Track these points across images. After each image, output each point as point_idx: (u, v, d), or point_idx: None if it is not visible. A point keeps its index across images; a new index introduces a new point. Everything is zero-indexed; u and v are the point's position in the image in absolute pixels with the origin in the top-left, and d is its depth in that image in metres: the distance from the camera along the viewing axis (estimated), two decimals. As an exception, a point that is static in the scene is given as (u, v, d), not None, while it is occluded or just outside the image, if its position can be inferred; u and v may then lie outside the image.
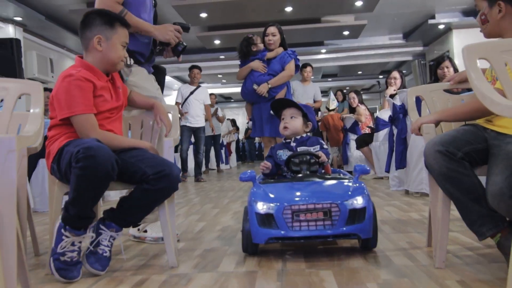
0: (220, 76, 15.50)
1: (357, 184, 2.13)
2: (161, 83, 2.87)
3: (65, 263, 1.87)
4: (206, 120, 8.02)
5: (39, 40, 9.43)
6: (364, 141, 6.50)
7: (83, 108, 2.02)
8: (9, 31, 8.43)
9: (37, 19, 8.51)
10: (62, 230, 1.90)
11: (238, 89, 19.19)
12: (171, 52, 2.67)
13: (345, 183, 2.16)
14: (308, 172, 2.29)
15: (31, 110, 1.44)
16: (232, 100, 22.12)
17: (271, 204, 2.01)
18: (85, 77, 2.05)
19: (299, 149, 2.44)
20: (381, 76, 16.78)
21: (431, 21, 9.92)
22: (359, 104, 7.26)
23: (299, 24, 9.51)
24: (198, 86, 7.71)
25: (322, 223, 1.98)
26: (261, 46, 4.46)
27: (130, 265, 2.16)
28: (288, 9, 8.70)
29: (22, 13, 8.13)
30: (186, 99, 7.56)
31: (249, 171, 2.25)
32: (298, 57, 4.53)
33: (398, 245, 2.31)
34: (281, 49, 4.50)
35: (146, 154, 2.10)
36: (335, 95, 8.39)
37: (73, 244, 1.89)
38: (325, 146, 2.49)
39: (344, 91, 9.50)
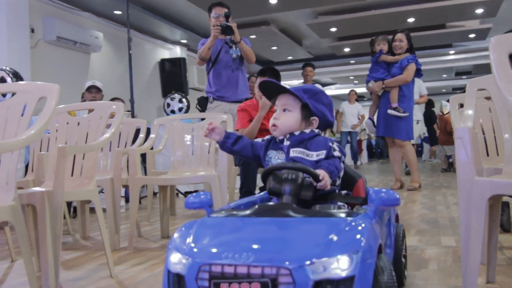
0: (352, 77, 16.58)
1: (352, 228, 1.18)
2: None
3: None
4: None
5: (198, 56, 11.49)
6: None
7: (238, 126, 3.44)
8: (177, 51, 10.57)
9: (197, 40, 10.48)
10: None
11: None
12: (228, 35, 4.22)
13: (330, 225, 1.21)
14: (289, 199, 1.43)
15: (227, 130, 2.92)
16: (366, 99, 22.92)
17: (184, 260, 1.15)
18: (243, 107, 3.50)
19: (293, 151, 1.59)
20: (519, 72, 16.36)
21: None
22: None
23: (423, 31, 10.24)
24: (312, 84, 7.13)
25: None
26: (377, 48, 5.29)
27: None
28: (411, 20, 9.54)
29: (187, 36, 10.16)
30: None
31: (201, 193, 1.43)
32: (426, 58, 5.15)
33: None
34: (404, 55, 5.14)
35: None
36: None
37: None
38: (336, 154, 1.57)
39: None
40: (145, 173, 4.40)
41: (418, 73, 5.19)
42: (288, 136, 1.63)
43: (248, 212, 1.33)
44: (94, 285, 2.05)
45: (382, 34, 5.84)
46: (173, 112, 7.73)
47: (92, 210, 4.06)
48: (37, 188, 1.87)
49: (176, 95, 6.72)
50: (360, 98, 22.61)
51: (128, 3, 5.09)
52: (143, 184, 2.89)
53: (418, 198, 4.59)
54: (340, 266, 1.06)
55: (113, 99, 6.99)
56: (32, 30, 6.89)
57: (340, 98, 18.39)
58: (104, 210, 2.77)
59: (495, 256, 1.81)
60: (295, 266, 1.05)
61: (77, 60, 7.85)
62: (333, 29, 10.11)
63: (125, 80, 8.23)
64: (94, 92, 5.56)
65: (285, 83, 13.69)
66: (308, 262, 1.06)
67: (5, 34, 6.27)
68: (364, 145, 15.28)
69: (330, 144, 1.60)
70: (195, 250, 1.16)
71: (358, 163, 13.03)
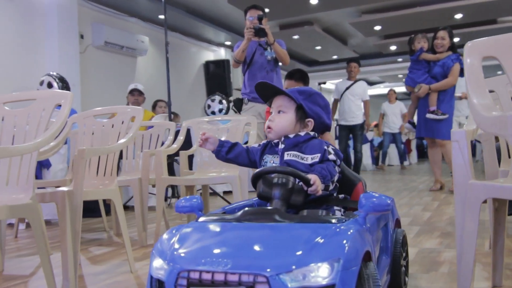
0: (401, 76, 16.23)
1: (336, 234, 1.16)
2: None
3: None
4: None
5: (242, 57, 11.66)
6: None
7: None
8: (222, 53, 10.76)
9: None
10: None
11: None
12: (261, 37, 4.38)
13: (314, 231, 1.18)
14: (278, 203, 1.40)
15: (251, 132, 2.98)
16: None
17: (165, 266, 1.16)
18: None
19: (287, 154, 1.56)
20: None
21: None
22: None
23: (472, 26, 9.91)
24: (356, 81, 7.18)
25: None
26: (416, 46, 5.13)
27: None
28: (458, 16, 9.25)
29: (231, 38, 10.33)
30: (341, 95, 7.10)
31: (195, 197, 1.43)
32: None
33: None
34: (446, 54, 5.00)
35: None
36: None
37: None
38: (331, 157, 1.55)
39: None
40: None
41: (462, 72, 5.06)
42: (283, 139, 1.60)
43: (234, 216, 1.32)
44: (112, 279, 2.18)
45: (430, 31, 5.70)
46: (213, 113, 7.87)
47: (127, 208, 4.25)
48: (60, 188, 2.01)
49: (216, 96, 6.85)
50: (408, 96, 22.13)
51: (166, 7, 5.27)
52: (168, 184, 3.02)
53: (455, 199, 4.48)
54: (320, 274, 1.04)
55: (156, 101, 7.25)
56: (82, 36, 7.24)
57: (390, 96, 18.08)
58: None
59: (502, 259, 1.78)
60: (273, 274, 1.03)
61: (124, 63, 8.17)
62: (378, 28, 9.97)
63: (171, 83, 8.51)
64: (136, 94, 5.81)
65: (332, 82, 13.48)
66: (286, 270, 1.04)
67: (56, 40, 6.63)
68: (413, 145, 14.91)
69: (325, 147, 1.56)
70: (175, 256, 1.15)
71: (406, 163, 12.67)
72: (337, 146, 7.10)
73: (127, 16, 8.16)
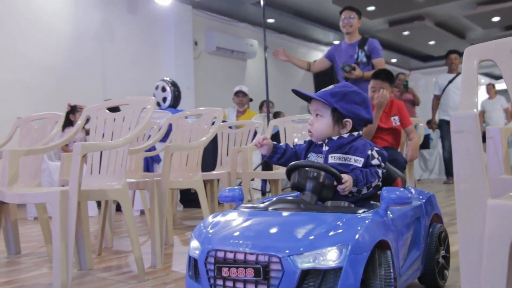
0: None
1: (351, 222, 1.30)
2: None
3: None
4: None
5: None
6: None
7: None
8: (330, 53, 10.91)
9: (350, 40, 10.71)
10: None
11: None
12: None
13: (331, 219, 1.32)
14: (309, 195, 1.50)
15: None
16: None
17: (200, 246, 1.35)
18: None
19: (331, 157, 1.62)
20: None
21: None
22: None
23: None
24: (458, 74, 6.74)
25: None
26: None
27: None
28: None
29: (338, 37, 10.42)
30: (444, 90, 6.76)
31: (237, 188, 1.60)
32: None
33: None
34: None
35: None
36: None
37: None
38: (375, 162, 1.59)
39: None
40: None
41: None
42: (327, 141, 1.63)
43: (264, 205, 1.47)
44: (194, 257, 2.52)
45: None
46: (316, 112, 8.06)
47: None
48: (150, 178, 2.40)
49: (317, 95, 7.04)
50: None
51: (265, 13, 5.61)
52: (251, 177, 3.32)
53: None
54: (328, 257, 1.19)
55: (263, 101, 7.64)
56: (196, 43, 7.90)
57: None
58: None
59: None
60: (285, 255, 1.19)
61: (234, 67, 8.71)
62: (496, 19, 9.40)
63: (279, 83, 8.87)
64: (240, 96, 6.23)
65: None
66: (297, 252, 1.20)
67: (173, 48, 7.33)
68: (545, 143, 13.62)
69: (369, 152, 1.59)
70: (207, 238, 1.34)
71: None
72: (439, 147, 6.74)
73: (237, 22, 8.68)
